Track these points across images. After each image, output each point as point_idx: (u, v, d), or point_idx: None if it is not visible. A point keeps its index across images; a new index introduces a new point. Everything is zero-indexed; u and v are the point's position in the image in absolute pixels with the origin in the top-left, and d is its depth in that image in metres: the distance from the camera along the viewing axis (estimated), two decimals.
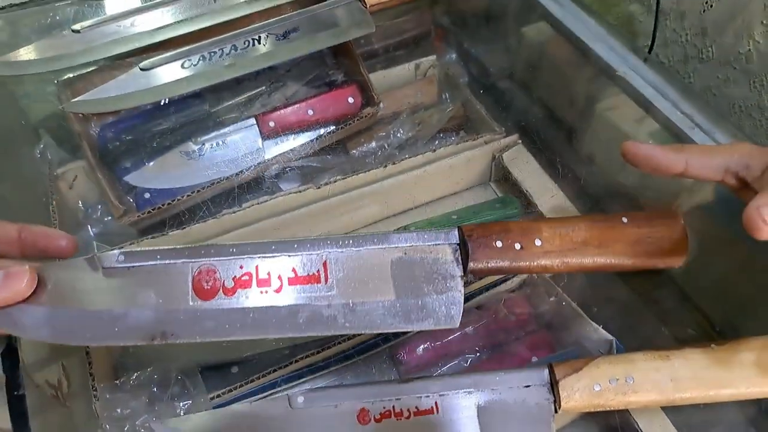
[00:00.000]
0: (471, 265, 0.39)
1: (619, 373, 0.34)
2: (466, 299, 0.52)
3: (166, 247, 0.37)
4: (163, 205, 0.56)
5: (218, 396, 0.45)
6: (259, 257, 0.37)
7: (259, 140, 0.61)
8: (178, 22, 0.56)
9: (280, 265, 0.37)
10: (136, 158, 0.60)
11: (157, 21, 0.57)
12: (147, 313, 0.35)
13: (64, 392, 0.40)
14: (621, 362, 0.35)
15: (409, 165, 0.60)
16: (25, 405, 0.33)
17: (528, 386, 0.35)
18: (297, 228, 0.58)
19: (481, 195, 0.66)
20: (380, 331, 0.38)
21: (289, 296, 0.37)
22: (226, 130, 0.61)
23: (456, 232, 0.40)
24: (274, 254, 0.37)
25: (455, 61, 0.79)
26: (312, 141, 0.62)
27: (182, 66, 0.54)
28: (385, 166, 0.59)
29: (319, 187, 0.58)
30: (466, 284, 0.40)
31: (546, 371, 0.36)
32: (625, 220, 0.42)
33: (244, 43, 0.55)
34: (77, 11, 0.69)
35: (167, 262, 0.36)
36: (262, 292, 0.36)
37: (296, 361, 0.48)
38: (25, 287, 0.34)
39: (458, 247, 0.39)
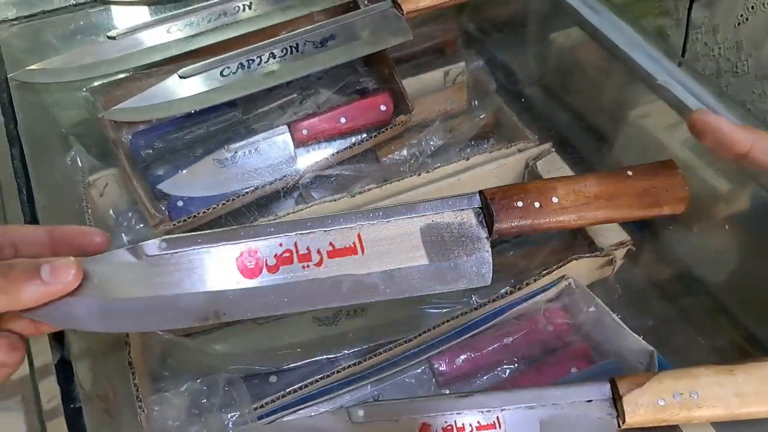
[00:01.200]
0: (496, 225, 0.41)
1: (683, 388, 0.34)
2: (505, 310, 0.52)
3: (205, 232, 0.38)
4: (198, 213, 0.55)
5: (262, 406, 0.45)
6: (296, 234, 0.39)
7: (292, 148, 0.61)
8: (213, 29, 0.56)
9: (317, 241, 0.39)
10: (168, 166, 0.60)
11: (192, 28, 0.56)
12: (197, 296, 0.36)
13: (111, 404, 0.39)
14: (684, 377, 0.34)
15: (443, 173, 0.60)
16: (83, 418, 0.33)
17: (590, 401, 0.35)
18: None
19: None
20: (419, 294, 0.39)
21: (330, 269, 0.38)
22: (258, 137, 0.61)
23: (477, 197, 0.42)
24: (310, 230, 0.39)
25: (483, 67, 0.78)
26: (344, 149, 0.62)
27: (221, 74, 0.53)
28: (419, 175, 0.59)
29: (353, 196, 0.57)
30: (495, 250, 0.41)
31: (608, 386, 0.35)
32: (630, 173, 0.44)
33: (282, 51, 0.55)
34: (102, 18, 0.70)
35: (209, 246, 0.37)
36: (304, 267, 0.38)
37: (337, 372, 0.47)
38: (72, 279, 0.34)
39: (481, 210, 0.41)
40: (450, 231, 0.40)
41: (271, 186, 0.60)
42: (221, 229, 0.39)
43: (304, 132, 0.61)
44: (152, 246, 0.37)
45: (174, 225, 0.55)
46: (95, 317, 0.35)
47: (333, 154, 0.62)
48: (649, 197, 0.44)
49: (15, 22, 0.66)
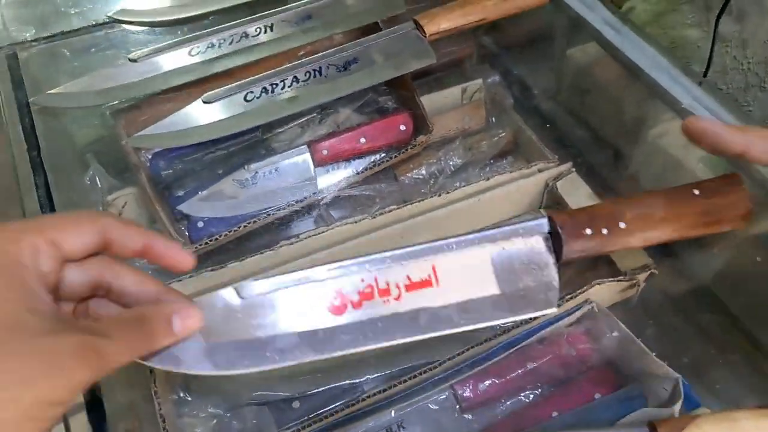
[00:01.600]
0: (566, 251, 0.41)
1: None
2: (529, 335, 0.52)
3: (293, 274, 0.39)
4: (219, 236, 0.55)
5: None
6: (376, 269, 0.40)
7: (312, 168, 0.61)
8: (234, 52, 0.55)
9: (395, 275, 0.40)
10: (189, 187, 0.59)
11: (214, 51, 0.56)
12: (292, 336, 0.38)
13: None
14: (724, 421, 0.34)
15: (464, 194, 0.59)
16: None
17: None
18: None
19: None
20: (490, 325, 0.40)
21: (408, 302, 0.40)
22: (278, 157, 0.60)
23: (546, 222, 0.42)
24: (388, 265, 0.40)
25: (499, 82, 0.78)
26: (363, 169, 0.62)
27: (245, 99, 0.53)
28: (440, 195, 0.59)
29: (374, 217, 0.57)
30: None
31: (647, 430, 0.35)
32: (696, 192, 0.44)
33: (305, 75, 0.54)
34: (121, 38, 0.69)
35: (298, 285, 0.39)
36: (384, 302, 0.39)
37: (362, 400, 0.47)
38: (199, 326, 0.35)
39: (549, 236, 0.42)
40: (519, 258, 0.41)
41: (291, 206, 0.59)
42: (309, 268, 0.40)
43: (325, 152, 0.60)
44: (248, 288, 0.38)
45: (195, 248, 0.55)
46: (203, 360, 0.36)
47: (352, 175, 0.62)
48: (713, 215, 0.44)
49: (34, 44, 0.66)
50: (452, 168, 0.64)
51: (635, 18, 0.77)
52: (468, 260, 0.40)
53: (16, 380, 0.26)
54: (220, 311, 0.37)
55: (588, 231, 0.42)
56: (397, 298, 0.39)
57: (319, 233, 0.55)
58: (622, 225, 0.42)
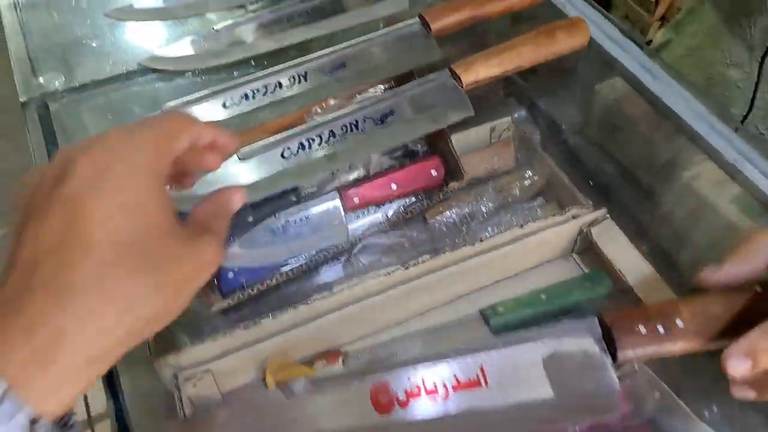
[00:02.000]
0: (620, 354, 0.40)
1: None
2: None
3: (340, 374, 0.42)
4: (252, 289, 0.55)
5: None
6: (422, 368, 0.41)
7: (342, 215, 0.60)
8: (269, 104, 0.55)
9: (442, 374, 0.40)
10: None
11: (248, 104, 0.55)
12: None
13: None
14: None
15: (497, 242, 0.59)
16: None
17: None
18: (387, 309, 0.56)
19: (564, 267, 0.64)
20: (545, 429, 0.41)
21: (456, 402, 0.40)
22: (308, 204, 0.60)
23: (597, 325, 0.42)
24: (435, 364, 0.41)
25: (526, 118, 0.77)
26: (393, 216, 0.61)
27: (282, 155, 0.52)
28: (473, 244, 0.58)
29: (407, 268, 0.56)
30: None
31: None
32: (759, 289, 0.42)
33: (342, 129, 0.53)
34: (154, 87, 0.68)
35: (346, 383, 0.41)
36: (432, 401, 0.40)
37: None
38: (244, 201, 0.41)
39: (602, 337, 0.41)
40: (572, 360, 0.40)
41: (322, 255, 0.59)
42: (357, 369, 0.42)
43: (356, 200, 0.60)
44: (300, 386, 0.41)
45: (228, 304, 0.54)
46: None
47: (383, 221, 0.61)
48: None
49: (65, 94, 0.65)
50: (485, 215, 0.63)
51: (669, 52, 0.76)
52: (518, 361, 0.40)
53: (185, 279, 0.32)
54: (271, 407, 0.39)
55: (641, 329, 0.40)
56: (445, 398, 0.39)
57: (352, 286, 0.55)
58: (679, 323, 0.40)
